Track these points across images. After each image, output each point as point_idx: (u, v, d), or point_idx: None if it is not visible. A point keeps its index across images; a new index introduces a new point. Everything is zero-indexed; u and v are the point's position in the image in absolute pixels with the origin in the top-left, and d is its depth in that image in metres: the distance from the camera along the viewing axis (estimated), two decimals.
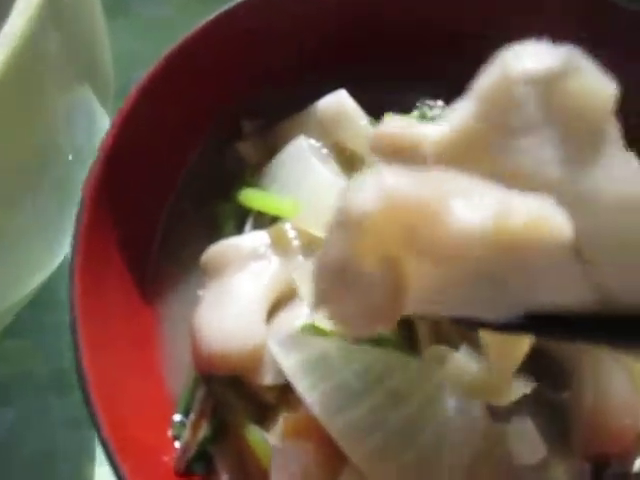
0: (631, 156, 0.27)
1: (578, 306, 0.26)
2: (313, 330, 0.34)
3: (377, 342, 0.33)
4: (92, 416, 0.30)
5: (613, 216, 0.26)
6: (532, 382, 0.34)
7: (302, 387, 0.32)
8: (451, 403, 0.33)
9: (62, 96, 0.36)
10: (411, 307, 0.26)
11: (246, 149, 0.43)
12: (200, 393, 0.35)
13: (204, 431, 0.35)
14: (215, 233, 0.40)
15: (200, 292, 0.37)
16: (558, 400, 0.37)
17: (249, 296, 0.36)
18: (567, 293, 0.26)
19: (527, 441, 0.34)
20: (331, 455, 0.34)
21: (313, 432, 0.34)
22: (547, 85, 0.26)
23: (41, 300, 0.53)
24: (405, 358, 0.33)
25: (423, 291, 0.26)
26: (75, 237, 0.34)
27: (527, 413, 0.35)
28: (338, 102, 0.40)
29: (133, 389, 0.36)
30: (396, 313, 0.26)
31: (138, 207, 0.39)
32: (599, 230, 0.26)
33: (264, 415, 0.36)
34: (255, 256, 0.37)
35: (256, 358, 0.35)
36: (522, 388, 0.34)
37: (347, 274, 0.25)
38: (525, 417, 0.35)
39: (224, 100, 0.42)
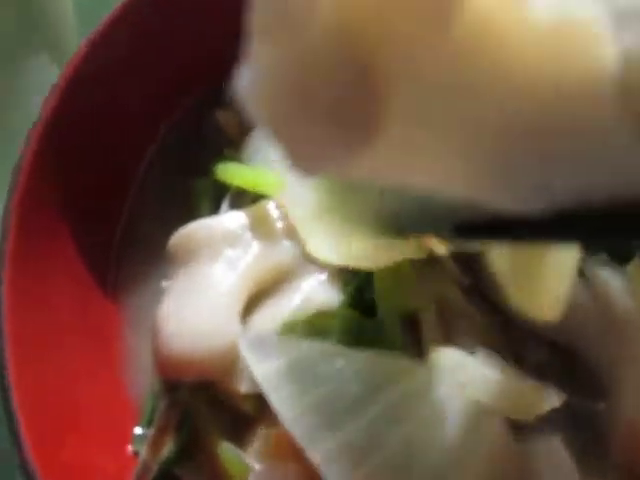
0: None
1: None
2: (297, 329, 0.28)
3: (374, 344, 0.28)
4: (12, 433, 0.24)
5: None
6: (562, 393, 0.28)
7: (278, 400, 0.26)
8: (464, 419, 0.27)
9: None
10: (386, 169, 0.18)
11: (227, 118, 0.37)
12: (163, 403, 0.29)
13: (168, 448, 0.29)
14: (188, 214, 0.34)
15: (165, 283, 0.32)
16: (592, 412, 0.31)
17: (222, 288, 0.30)
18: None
19: (556, 463, 0.29)
20: (315, 478, 0.28)
21: (296, 451, 0.29)
22: None
23: None
24: (408, 364, 0.27)
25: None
26: (7, 208, 0.28)
27: (556, 429, 0.30)
28: None
29: (83, 396, 0.30)
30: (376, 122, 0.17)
31: (97, 180, 0.34)
32: None
33: (240, 429, 0.30)
34: (231, 240, 0.31)
35: (229, 361, 0.29)
36: (551, 400, 0.28)
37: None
38: (553, 434, 0.29)
39: (201, 60, 0.36)
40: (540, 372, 0.30)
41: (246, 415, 0.30)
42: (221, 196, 0.35)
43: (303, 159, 0.19)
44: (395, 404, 0.26)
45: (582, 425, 0.31)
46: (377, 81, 0.17)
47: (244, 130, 0.36)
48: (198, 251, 0.31)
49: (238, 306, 0.30)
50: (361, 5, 0.17)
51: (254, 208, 0.32)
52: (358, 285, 0.32)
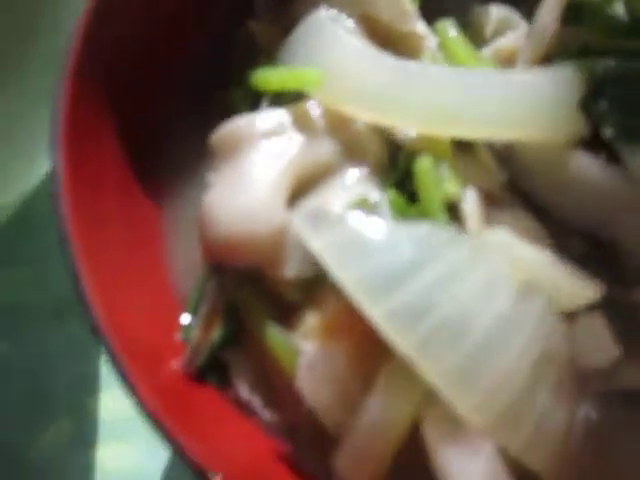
0: None
1: None
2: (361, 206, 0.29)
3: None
4: (92, 319, 0.25)
5: None
6: (602, 284, 0.29)
7: (338, 267, 0.26)
8: (513, 294, 0.27)
9: None
10: None
11: (260, 28, 0.37)
12: (211, 285, 0.30)
13: (217, 331, 0.30)
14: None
15: (209, 176, 0.32)
16: (630, 302, 0.32)
17: (267, 179, 0.30)
18: None
19: (596, 340, 0.29)
20: (366, 357, 0.29)
21: (346, 332, 0.29)
22: None
23: (38, 228, 0.49)
24: (459, 236, 0.28)
25: None
26: (57, 118, 0.29)
27: (598, 314, 0.30)
28: None
29: (136, 292, 0.31)
30: None
31: (136, 92, 0.34)
32: None
33: (286, 316, 0.30)
34: (273, 135, 0.32)
35: (276, 247, 0.29)
36: (592, 290, 0.28)
37: None
38: (595, 314, 0.30)
39: None
40: (579, 264, 0.30)
41: (291, 302, 0.31)
42: (257, 104, 0.36)
43: None
44: (448, 271, 0.26)
45: (621, 315, 0.32)
46: None
47: (277, 40, 0.37)
48: (240, 146, 0.32)
49: (283, 195, 0.30)
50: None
51: (295, 105, 0.33)
52: (399, 177, 0.32)
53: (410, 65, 0.32)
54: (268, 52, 0.36)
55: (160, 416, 0.26)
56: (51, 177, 0.28)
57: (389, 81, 0.31)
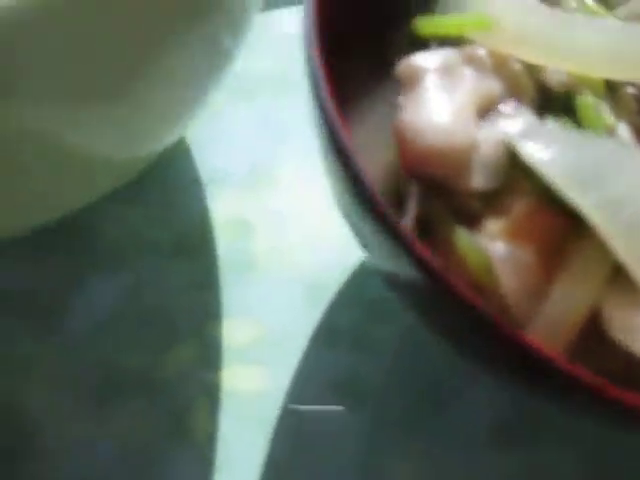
0: None
1: None
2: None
3: None
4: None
5: None
6: None
7: (549, 165, 0.31)
8: None
9: None
10: None
11: None
12: (410, 195, 0.34)
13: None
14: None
15: (400, 98, 0.36)
16: None
17: (456, 101, 0.35)
18: None
19: None
20: (548, 255, 0.33)
21: (528, 234, 0.34)
22: None
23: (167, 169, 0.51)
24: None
25: None
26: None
27: None
28: None
29: None
30: None
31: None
32: None
33: (468, 223, 0.35)
34: (450, 69, 0.36)
35: (468, 158, 0.34)
36: None
37: None
38: None
39: None
40: None
41: (472, 212, 0.35)
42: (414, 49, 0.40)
43: None
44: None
45: None
46: None
47: None
48: (423, 76, 0.36)
49: (473, 116, 0.35)
50: None
51: (464, 48, 0.37)
52: (556, 111, 0.37)
53: (566, 14, 0.38)
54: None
55: None
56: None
57: (549, 27, 0.37)
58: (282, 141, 0.53)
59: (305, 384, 0.45)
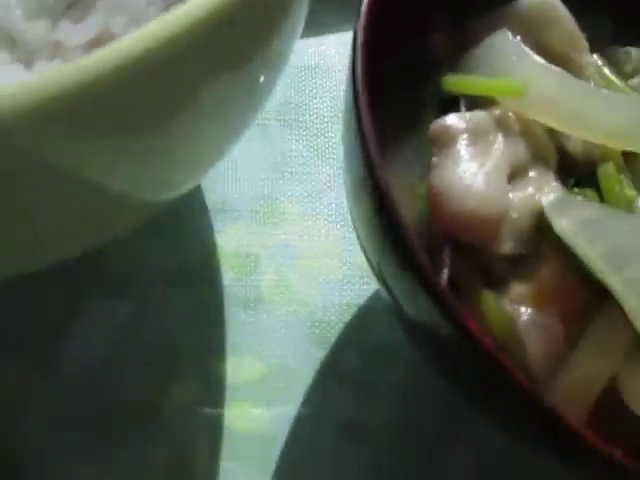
0: None
1: None
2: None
3: None
4: None
5: None
6: None
7: (581, 241, 0.33)
8: None
9: None
10: None
11: (439, 41, 0.43)
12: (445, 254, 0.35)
13: None
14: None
15: (433, 159, 0.37)
16: None
17: (488, 167, 0.36)
18: None
19: None
20: (570, 320, 0.35)
21: (552, 298, 0.35)
22: None
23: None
24: None
25: None
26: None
27: None
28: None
29: None
30: None
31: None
32: None
33: (493, 286, 0.36)
34: (482, 132, 0.37)
35: (499, 224, 0.35)
36: None
37: None
38: None
39: None
40: None
41: (497, 275, 0.36)
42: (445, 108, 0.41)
43: None
44: None
45: None
46: None
47: (453, 55, 0.42)
48: (457, 138, 0.37)
49: (505, 183, 0.36)
50: None
51: (495, 110, 0.38)
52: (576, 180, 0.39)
53: (589, 86, 0.39)
54: (446, 64, 0.42)
55: None
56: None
57: (576, 97, 0.38)
58: (290, 175, 0.53)
59: (307, 425, 0.45)
